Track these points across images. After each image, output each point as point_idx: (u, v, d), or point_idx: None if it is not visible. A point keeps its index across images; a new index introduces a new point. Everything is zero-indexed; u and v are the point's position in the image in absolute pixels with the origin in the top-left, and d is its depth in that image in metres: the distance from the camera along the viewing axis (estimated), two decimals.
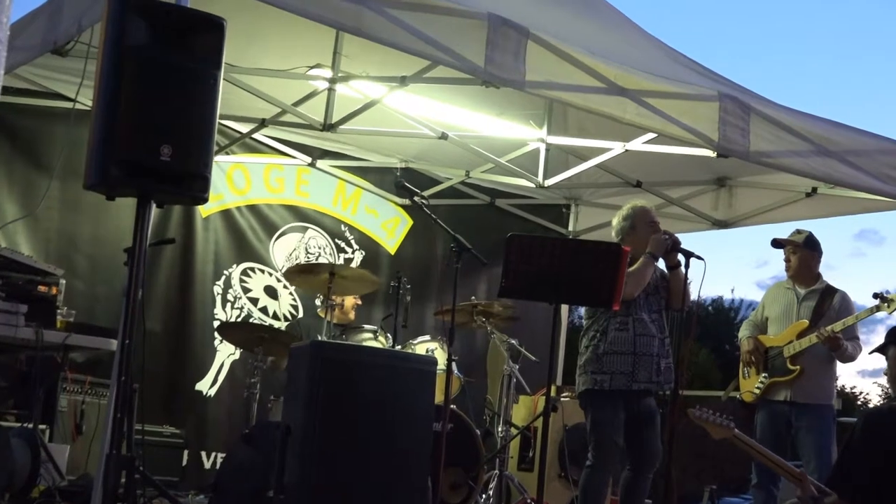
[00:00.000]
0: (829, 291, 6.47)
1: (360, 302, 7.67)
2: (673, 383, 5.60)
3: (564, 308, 9.13)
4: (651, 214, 5.90)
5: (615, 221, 5.95)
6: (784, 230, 6.80)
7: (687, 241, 5.72)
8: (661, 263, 5.81)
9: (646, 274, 5.68)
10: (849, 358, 6.30)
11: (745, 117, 5.46)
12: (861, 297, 13.48)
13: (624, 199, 7.43)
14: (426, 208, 6.14)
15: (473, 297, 7.53)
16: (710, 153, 5.80)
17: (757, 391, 6.42)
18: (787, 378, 6.33)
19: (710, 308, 33.06)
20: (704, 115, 5.36)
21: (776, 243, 6.60)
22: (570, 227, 9.35)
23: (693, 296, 5.58)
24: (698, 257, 5.42)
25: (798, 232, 6.63)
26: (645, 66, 5.39)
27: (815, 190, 7.52)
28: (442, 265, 7.97)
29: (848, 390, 27.30)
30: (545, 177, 7.78)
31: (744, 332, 6.68)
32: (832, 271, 57.23)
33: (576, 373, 5.77)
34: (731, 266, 54.88)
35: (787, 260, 6.59)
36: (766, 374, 6.43)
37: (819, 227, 6.64)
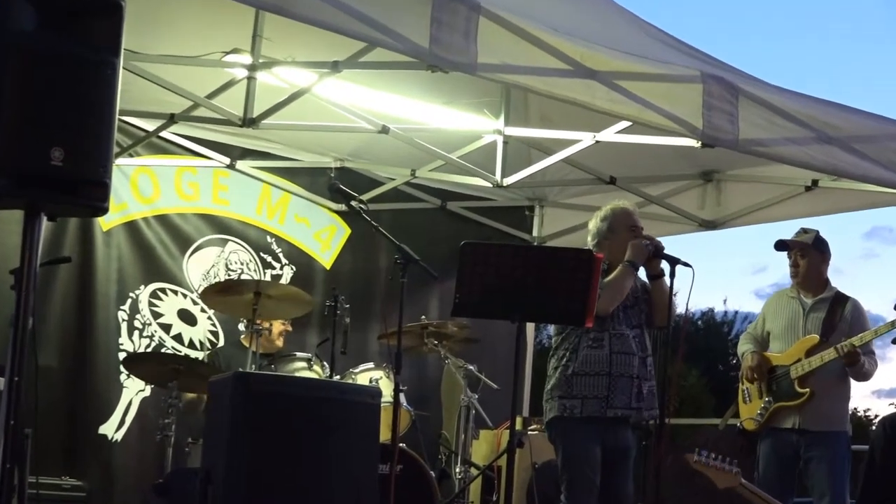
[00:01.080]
0: (840, 300, 6.56)
1: (290, 328, 7.71)
2: (657, 410, 5.61)
3: (530, 327, 9.25)
4: (633, 218, 5.98)
5: (592, 224, 6.01)
6: (782, 230, 6.95)
7: (670, 245, 5.80)
8: (641, 273, 5.86)
9: (624, 285, 5.73)
10: (864, 376, 6.39)
11: (733, 101, 5.49)
12: (876, 306, 13.67)
13: (595, 199, 7.50)
14: (366, 214, 6.17)
15: (423, 317, 7.61)
16: (694, 143, 5.84)
17: (760, 418, 6.48)
18: (795, 402, 6.39)
19: (699, 322, 33.21)
20: (686, 98, 5.38)
21: (781, 245, 6.66)
22: (535, 233, 9.41)
23: (680, 309, 5.63)
24: (685, 264, 5.44)
25: (804, 231, 6.71)
26: (616, 44, 5.40)
27: (815, 183, 7.61)
28: (386, 280, 7.98)
29: (861, 414, 27.57)
30: (504, 175, 7.77)
31: (744, 346, 6.73)
32: (841, 276, 57.04)
33: (543, 399, 5.78)
34: (722, 273, 55.23)
35: (793, 265, 6.66)
36: (771, 398, 6.49)
37: (823, 226, 6.72)
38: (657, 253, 5.73)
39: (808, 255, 6.61)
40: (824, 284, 6.64)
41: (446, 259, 6.25)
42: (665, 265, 5.60)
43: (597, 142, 7.16)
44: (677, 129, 5.44)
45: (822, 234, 6.72)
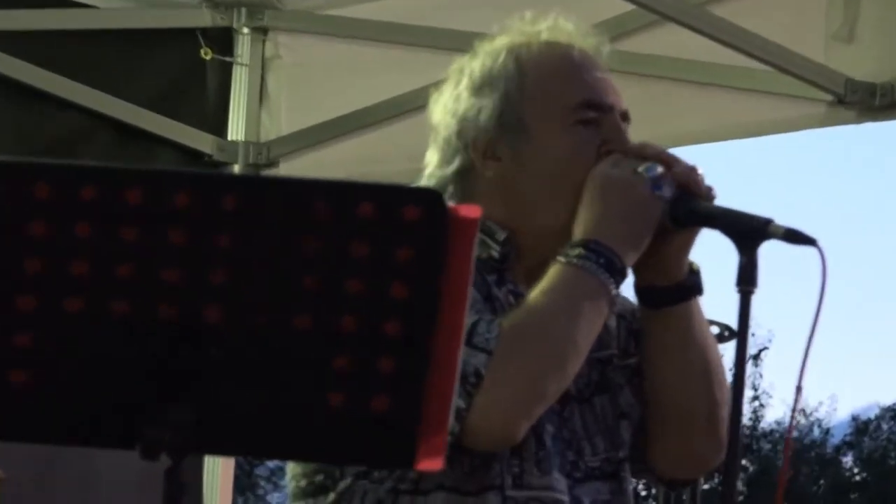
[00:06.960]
0: None
1: None
2: None
3: None
4: (591, 73, 4.57)
5: (441, 103, 4.57)
6: None
7: (740, 168, 5.30)
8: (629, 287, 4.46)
9: (588, 325, 4.32)
10: None
11: None
12: None
13: (450, 10, 7.52)
14: None
15: None
16: None
17: None
18: None
19: (848, 457, 31.68)
20: None
21: None
22: (235, 134, 8.39)
23: (777, 408, 4.64)
24: (798, 238, 4.14)
25: None
26: None
27: None
28: None
29: None
30: None
31: None
32: None
33: None
34: None
35: None
36: None
37: None
38: (688, 209, 4.28)
39: None
40: None
41: None
42: (719, 245, 4.31)
43: None
44: None
45: None
